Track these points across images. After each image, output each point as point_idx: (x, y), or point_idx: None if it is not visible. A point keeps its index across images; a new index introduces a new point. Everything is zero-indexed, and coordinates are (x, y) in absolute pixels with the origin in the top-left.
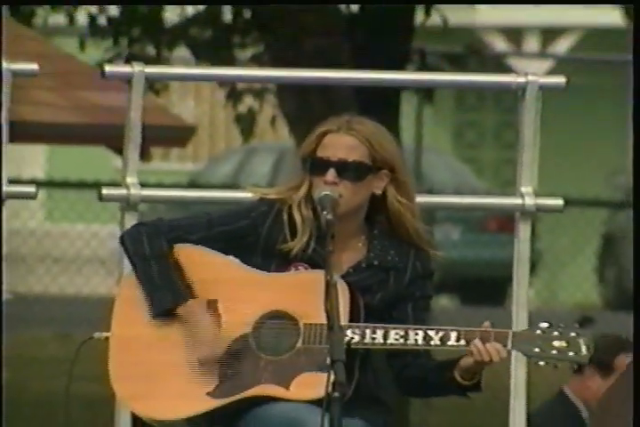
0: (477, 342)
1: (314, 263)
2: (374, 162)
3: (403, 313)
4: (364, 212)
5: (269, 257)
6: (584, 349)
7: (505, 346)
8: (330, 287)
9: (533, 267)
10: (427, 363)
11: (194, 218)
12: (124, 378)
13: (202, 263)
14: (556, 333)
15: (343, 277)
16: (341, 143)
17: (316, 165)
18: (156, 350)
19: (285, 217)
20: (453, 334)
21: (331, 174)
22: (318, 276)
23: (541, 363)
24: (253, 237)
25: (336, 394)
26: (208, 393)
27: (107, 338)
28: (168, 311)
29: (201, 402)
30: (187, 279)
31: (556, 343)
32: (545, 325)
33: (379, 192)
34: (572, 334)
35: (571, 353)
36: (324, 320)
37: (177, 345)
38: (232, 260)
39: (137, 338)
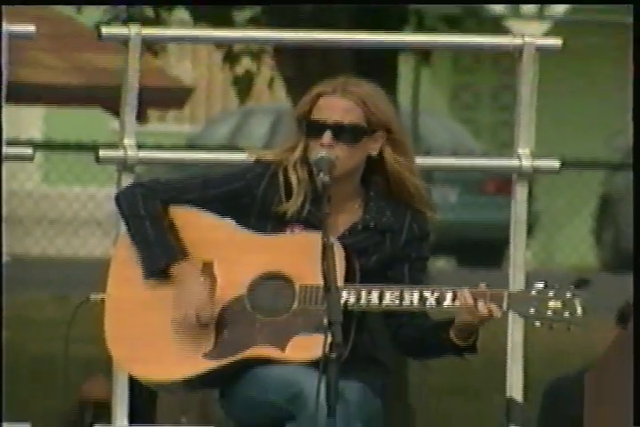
0: (468, 296)
1: (309, 225)
2: (370, 124)
3: (399, 273)
4: (359, 174)
5: (265, 219)
6: (579, 310)
7: (500, 307)
8: (327, 249)
9: (530, 229)
10: (423, 323)
11: (189, 179)
12: (121, 340)
13: (197, 225)
14: (551, 293)
15: (339, 239)
16: (337, 106)
17: (311, 128)
18: (152, 311)
19: (281, 179)
20: (449, 295)
21: (327, 137)
22: (314, 237)
23: (537, 324)
24: (248, 199)
25: (333, 355)
26: (204, 355)
27: (103, 299)
28: (161, 271)
29: (197, 363)
30: (182, 240)
31: (551, 304)
32: (540, 285)
33: (374, 153)
34: (568, 295)
35: (566, 314)
36: (319, 282)
37: (171, 306)
38: (227, 222)
39: (133, 299)
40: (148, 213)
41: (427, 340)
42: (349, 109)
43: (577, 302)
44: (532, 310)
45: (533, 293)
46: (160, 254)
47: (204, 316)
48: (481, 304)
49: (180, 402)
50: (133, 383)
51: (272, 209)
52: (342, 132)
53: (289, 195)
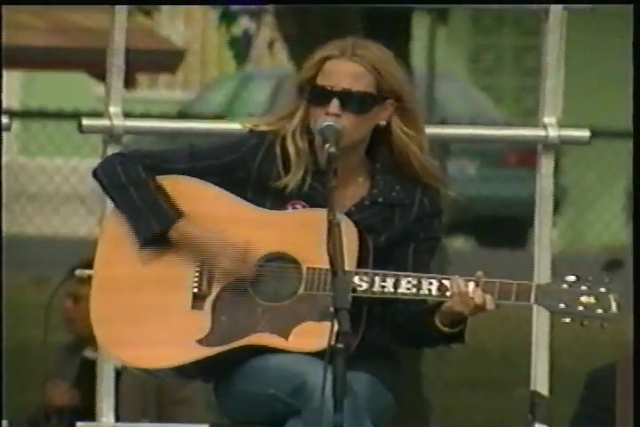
0: (461, 283)
1: (312, 201)
2: (380, 91)
3: (401, 255)
4: (365, 144)
5: (263, 195)
6: (614, 306)
7: (527, 300)
8: (333, 227)
9: (557, 205)
10: (413, 308)
11: (175, 150)
12: (107, 322)
13: (190, 195)
14: (584, 287)
15: (345, 215)
16: (345, 71)
17: (316, 95)
18: (143, 291)
19: (278, 150)
20: (471, 285)
21: (334, 105)
22: (322, 215)
23: (566, 320)
24: (244, 173)
25: (340, 345)
26: (199, 341)
27: (89, 277)
28: (158, 236)
29: (190, 350)
30: (174, 201)
31: (583, 299)
32: (572, 278)
33: (383, 123)
34: (602, 290)
35: (599, 310)
36: (328, 264)
37: (166, 285)
38: (225, 192)
39: (122, 278)
40: (130, 179)
41: (415, 326)
42: (359, 75)
43: (611, 298)
44: (562, 306)
45: (564, 286)
46: (151, 218)
47: (246, 266)
48: (476, 293)
49: (141, 401)
50: (120, 370)
51: (270, 184)
52: (350, 101)
53: (288, 168)
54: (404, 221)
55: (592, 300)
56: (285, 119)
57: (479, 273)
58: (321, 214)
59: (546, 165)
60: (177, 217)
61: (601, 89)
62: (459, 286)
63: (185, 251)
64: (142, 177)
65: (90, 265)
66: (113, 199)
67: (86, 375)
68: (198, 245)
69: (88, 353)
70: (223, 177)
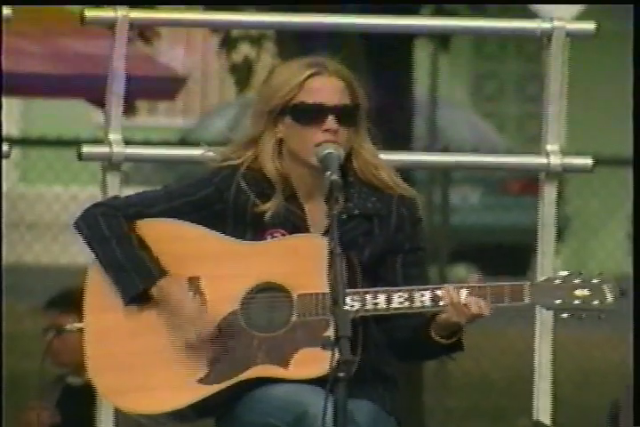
0: (453, 292)
1: (290, 226)
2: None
3: (390, 270)
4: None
5: (243, 225)
6: (609, 296)
7: (521, 300)
8: (334, 257)
9: (560, 233)
10: (413, 322)
11: (151, 192)
12: (104, 372)
13: (173, 238)
14: (577, 280)
15: (325, 233)
16: (332, 86)
17: (307, 113)
18: (137, 338)
19: (243, 184)
20: (464, 292)
21: (331, 122)
22: (305, 240)
23: (564, 315)
24: (220, 205)
25: (341, 374)
26: (199, 380)
27: (80, 329)
28: (141, 295)
29: (192, 391)
30: (159, 255)
31: (578, 292)
32: (564, 273)
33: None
34: (595, 281)
35: (595, 302)
36: (318, 289)
37: (159, 330)
38: (205, 230)
39: (114, 327)
40: (113, 232)
41: (415, 339)
42: (343, 90)
43: (605, 288)
44: (557, 301)
45: (557, 282)
46: (135, 277)
47: (207, 334)
48: (472, 301)
49: None
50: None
51: (247, 213)
52: (344, 115)
53: (259, 196)
54: (384, 232)
55: (586, 292)
56: (251, 146)
57: (472, 276)
58: (305, 240)
59: (548, 192)
60: (160, 275)
61: (604, 116)
62: (451, 297)
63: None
64: (125, 231)
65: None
66: (95, 252)
67: (68, 401)
68: (174, 306)
69: (71, 379)
70: (202, 212)
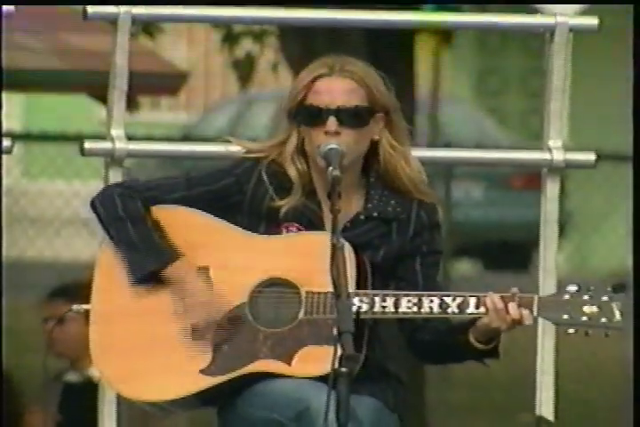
0: (497, 299)
1: (306, 221)
2: (372, 105)
3: (409, 270)
4: (361, 160)
5: (257, 218)
6: (617, 314)
7: (530, 313)
8: (336, 251)
9: (562, 229)
10: (439, 325)
11: (171, 178)
12: (108, 357)
13: (187, 226)
14: (586, 297)
15: (341, 232)
16: (338, 87)
17: (310, 115)
18: (142, 323)
19: (265, 176)
20: (472, 301)
21: (332, 123)
22: (319, 238)
23: (571, 331)
24: (239, 197)
25: (343, 369)
26: (202, 370)
27: (87, 311)
28: (152, 275)
29: (194, 380)
30: (171, 240)
31: (586, 309)
32: (574, 288)
33: (377, 137)
34: (604, 299)
35: (603, 319)
36: (327, 288)
37: (165, 316)
38: (218, 220)
39: (120, 311)
40: (128, 213)
41: (444, 343)
42: (352, 90)
43: (614, 306)
44: (565, 316)
45: (566, 297)
46: (147, 257)
47: (216, 319)
48: (513, 308)
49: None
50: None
51: (264, 206)
52: (348, 117)
53: (278, 191)
54: (402, 237)
55: (595, 309)
56: (280, 145)
57: (514, 289)
58: (319, 237)
59: (551, 188)
60: (173, 258)
61: (607, 112)
62: (494, 303)
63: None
64: (141, 212)
65: (71, 289)
66: (108, 232)
67: (69, 401)
68: (186, 289)
69: (70, 376)
70: (219, 202)
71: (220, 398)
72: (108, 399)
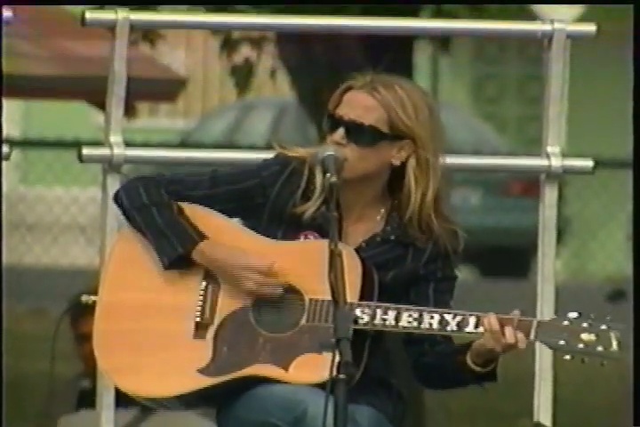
0: (494, 320)
1: (326, 232)
2: (393, 129)
3: (422, 295)
4: (381, 181)
5: (277, 222)
6: (615, 344)
7: (527, 337)
8: (334, 257)
9: (560, 235)
10: (443, 350)
11: (197, 175)
12: (110, 350)
13: (203, 225)
14: (585, 324)
15: (355, 251)
16: (358, 102)
17: (329, 123)
18: (147, 318)
19: (306, 174)
20: (472, 320)
21: (338, 134)
22: (326, 245)
23: (567, 357)
24: (262, 199)
25: (341, 376)
26: (199, 370)
27: (95, 302)
28: (181, 259)
29: (191, 379)
30: (195, 225)
31: (584, 336)
32: (574, 315)
33: (397, 163)
34: (603, 327)
35: (599, 348)
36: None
37: (170, 313)
38: (236, 224)
39: (126, 305)
40: (153, 201)
41: (444, 366)
42: (370, 108)
43: (612, 336)
44: (561, 342)
45: (565, 322)
46: (176, 240)
47: (269, 288)
48: (509, 331)
49: None
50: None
51: (286, 212)
52: (355, 132)
53: (305, 196)
54: (416, 261)
55: (592, 337)
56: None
57: (515, 311)
58: (325, 246)
59: (549, 194)
60: (200, 239)
61: (605, 118)
62: (490, 324)
63: (199, 275)
64: (165, 199)
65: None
66: (134, 220)
67: (86, 408)
68: (222, 266)
69: (85, 383)
70: (241, 202)
71: (220, 398)
72: (106, 404)
